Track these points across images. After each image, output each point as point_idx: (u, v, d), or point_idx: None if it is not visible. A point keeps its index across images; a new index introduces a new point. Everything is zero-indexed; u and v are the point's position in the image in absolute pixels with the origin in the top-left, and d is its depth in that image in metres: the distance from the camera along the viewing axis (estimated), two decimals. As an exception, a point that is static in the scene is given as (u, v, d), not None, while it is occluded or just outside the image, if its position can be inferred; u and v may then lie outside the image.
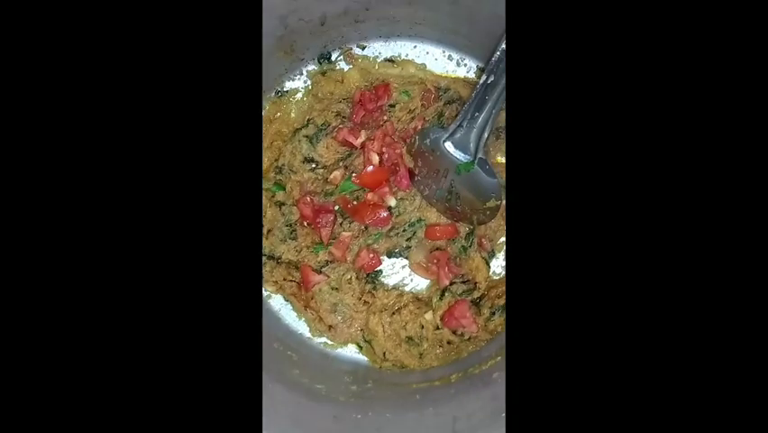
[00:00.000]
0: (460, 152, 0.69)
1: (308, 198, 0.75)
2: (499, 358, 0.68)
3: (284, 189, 0.78)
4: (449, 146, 0.69)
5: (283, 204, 0.77)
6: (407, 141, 0.75)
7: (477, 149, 0.67)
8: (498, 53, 0.62)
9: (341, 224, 0.76)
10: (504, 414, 0.53)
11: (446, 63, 0.78)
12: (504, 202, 0.73)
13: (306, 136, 0.77)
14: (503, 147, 0.76)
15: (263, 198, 0.77)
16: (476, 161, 0.68)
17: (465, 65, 0.78)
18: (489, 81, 0.64)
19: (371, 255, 0.75)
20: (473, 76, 0.77)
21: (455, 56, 0.78)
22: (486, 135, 0.67)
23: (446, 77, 0.78)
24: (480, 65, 0.77)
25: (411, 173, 0.75)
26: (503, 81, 0.63)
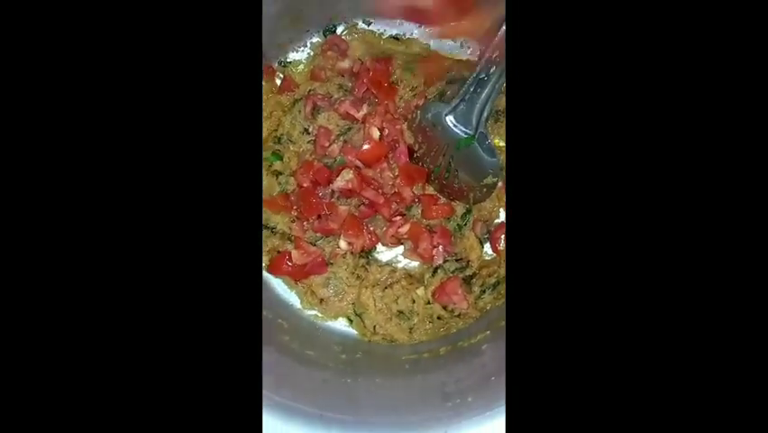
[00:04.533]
0: (461, 127, 0.70)
1: (312, 169, 0.75)
2: (488, 333, 0.69)
3: (281, 159, 0.78)
4: (450, 120, 0.70)
5: (280, 174, 0.77)
6: (409, 117, 0.76)
7: (478, 124, 0.69)
8: (504, 28, 0.63)
9: (338, 197, 0.76)
10: (493, 378, 0.53)
11: (450, 45, 0.79)
12: (500, 182, 0.74)
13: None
14: (501, 130, 0.78)
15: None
16: (476, 136, 0.69)
17: (469, 47, 0.79)
18: (493, 56, 0.65)
19: (369, 235, 0.75)
20: (476, 58, 0.78)
21: (459, 38, 0.79)
22: (487, 111, 0.68)
23: (450, 57, 0.79)
24: (483, 48, 0.78)
25: (411, 150, 0.76)
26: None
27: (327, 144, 0.75)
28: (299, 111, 0.77)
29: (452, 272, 0.74)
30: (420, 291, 0.75)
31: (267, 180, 0.77)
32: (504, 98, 0.76)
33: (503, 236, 0.76)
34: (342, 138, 0.76)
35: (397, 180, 0.76)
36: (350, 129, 0.77)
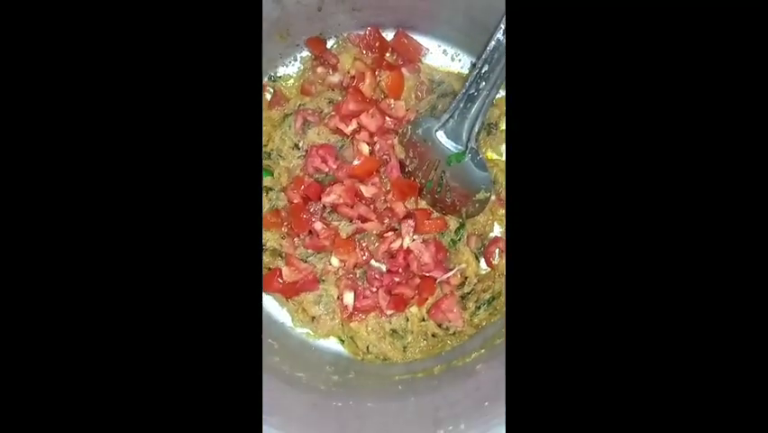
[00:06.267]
0: (452, 142, 0.69)
1: (302, 184, 0.74)
2: (483, 351, 0.67)
3: (272, 175, 0.77)
4: (441, 136, 0.69)
5: (271, 189, 0.76)
6: (399, 131, 0.75)
7: (469, 139, 0.68)
8: (494, 42, 0.62)
9: (329, 213, 0.75)
10: (487, 403, 0.52)
11: (441, 58, 0.78)
12: (493, 196, 0.73)
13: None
14: (493, 143, 0.77)
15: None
16: (467, 151, 0.68)
17: (459, 60, 0.78)
18: (483, 71, 0.64)
19: (361, 251, 0.74)
20: (467, 72, 0.78)
21: (450, 51, 0.78)
22: (478, 126, 0.67)
23: (440, 70, 0.78)
24: (474, 61, 0.77)
25: (402, 165, 0.75)
26: (497, 70, 0.63)
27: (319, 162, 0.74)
28: (289, 126, 0.76)
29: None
30: (414, 309, 0.73)
31: (257, 197, 0.76)
32: (496, 111, 0.76)
33: (497, 250, 0.75)
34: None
35: (389, 195, 0.75)
36: (342, 146, 0.76)
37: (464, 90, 0.66)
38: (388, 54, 0.77)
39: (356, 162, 0.73)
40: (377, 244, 0.74)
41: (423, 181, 0.73)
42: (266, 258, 0.75)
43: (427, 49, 0.77)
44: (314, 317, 0.74)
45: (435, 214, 0.75)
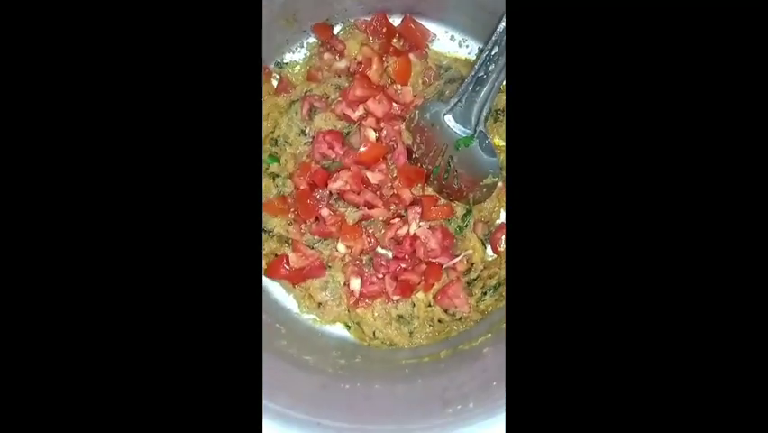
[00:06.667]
0: (460, 126, 0.69)
1: (309, 171, 0.74)
2: (489, 335, 0.67)
3: (278, 162, 0.77)
4: (449, 120, 0.69)
5: (277, 176, 0.76)
6: (407, 117, 0.75)
7: (477, 122, 0.67)
8: (503, 24, 0.62)
9: (336, 200, 0.75)
10: (495, 383, 0.52)
11: (448, 44, 0.78)
12: (500, 182, 0.73)
13: (304, 108, 0.76)
14: (500, 129, 0.77)
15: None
16: (476, 135, 0.68)
17: (467, 46, 0.78)
18: (492, 53, 0.64)
19: (368, 238, 0.74)
20: (474, 57, 0.77)
21: (458, 37, 0.78)
22: (486, 109, 0.67)
23: (448, 56, 0.78)
24: (482, 46, 0.77)
25: (409, 151, 0.75)
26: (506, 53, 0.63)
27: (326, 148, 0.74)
28: (296, 112, 0.76)
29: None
30: (420, 294, 0.74)
31: (264, 183, 0.76)
32: (503, 97, 0.75)
33: (504, 237, 0.75)
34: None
35: (396, 182, 0.75)
36: (348, 132, 0.76)
37: (473, 73, 0.66)
38: (395, 40, 0.77)
39: (363, 149, 0.73)
40: (383, 231, 0.74)
41: (430, 167, 0.73)
42: (273, 244, 0.75)
43: (435, 34, 0.77)
44: (320, 304, 0.74)
45: (442, 200, 0.75)
